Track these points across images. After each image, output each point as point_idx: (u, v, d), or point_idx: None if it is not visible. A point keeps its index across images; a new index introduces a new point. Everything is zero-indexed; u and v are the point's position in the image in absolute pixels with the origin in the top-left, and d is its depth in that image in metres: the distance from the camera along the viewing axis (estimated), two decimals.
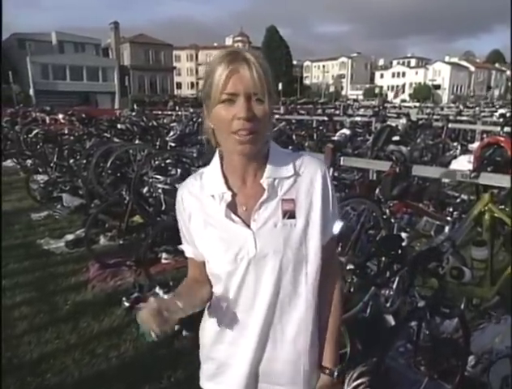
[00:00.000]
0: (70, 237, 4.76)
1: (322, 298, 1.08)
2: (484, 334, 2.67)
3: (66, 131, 8.16)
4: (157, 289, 3.47)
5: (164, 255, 4.14)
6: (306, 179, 1.02)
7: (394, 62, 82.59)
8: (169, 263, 4.07)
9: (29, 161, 8.60)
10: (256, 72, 0.90)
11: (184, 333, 2.89)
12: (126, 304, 3.27)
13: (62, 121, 9.66)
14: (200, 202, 1.04)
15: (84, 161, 5.67)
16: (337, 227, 1.07)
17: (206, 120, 0.99)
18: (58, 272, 3.94)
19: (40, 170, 7.08)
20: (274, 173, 1.01)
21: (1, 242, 4.45)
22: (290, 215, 1.00)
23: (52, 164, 6.44)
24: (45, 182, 6.55)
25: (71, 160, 6.31)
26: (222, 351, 1.09)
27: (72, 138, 7.34)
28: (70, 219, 5.54)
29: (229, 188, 1.01)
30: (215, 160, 1.06)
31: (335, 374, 1.10)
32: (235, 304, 1.03)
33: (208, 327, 1.11)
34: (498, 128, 7.43)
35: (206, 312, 1.13)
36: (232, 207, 1.00)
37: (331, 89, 65.64)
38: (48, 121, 10.84)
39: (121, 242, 4.35)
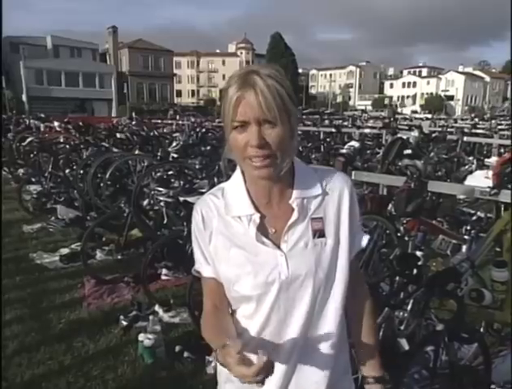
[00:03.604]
0: (64, 251, 4.78)
1: (353, 313, 1.12)
2: (506, 362, 2.65)
3: (62, 140, 8.23)
4: (157, 307, 3.48)
5: (163, 271, 4.15)
6: (334, 196, 1.05)
7: (405, 72, 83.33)
8: (169, 280, 4.08)
9: (21, 170, 8.67)
10: (262, 97, 0.90)
11: (185, 354, 2.88)
12: (124, 322, 3.27)
13: (58, 129, 9.74)
14: (224, 221, 1.04)
15: (81, 172, 5.71)
16: (364, 240, 1.10)
17: (228, 142, 1.02)
18: (52, 288, 3.94)
19: (33, 180, 7.13)
20: (302, 192, 1.03)
21: (1, 249, 4.47)
22: (320, 234, 1.02)
23: (46, 174, 6.48)
24: (38, 193, 6.60)
25: (67, 170, 6.35)
26: None
27: (68, 147, 7.40)
28: (64, 232, 5.56)
29: (256, 209, 1.03)
30: (237, 176, 1.07)
31: (386, 378, 1.14)
32: (264, 327, 1.03)
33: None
34: None
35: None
36: (261, 229, 1.02)
37: (338, 99, 66.17)
38: (42, 128, 10.95)
39: (119, 257, 4.37)
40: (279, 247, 1.01)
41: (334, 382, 1.08)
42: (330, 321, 1.05)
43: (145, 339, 2.89)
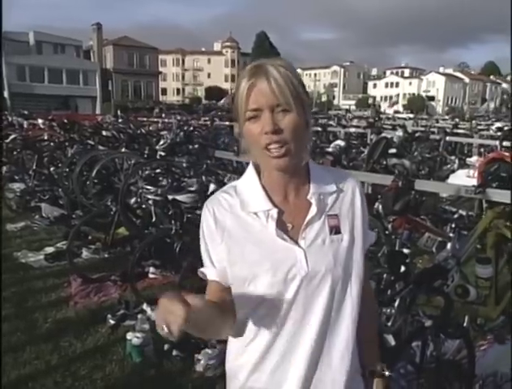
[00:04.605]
0: (49, 249, 4.70)
1: (361, 309, 1.10)
2: (488, 355, 2.71)
3: (46, 137, 8.07)
4: (144, 306, 3.44)
5: (151, 270, 4.11)
6: (347, 194, 1.07)
7: (388, 72, 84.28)
8: (157, 279, 4.05)
9: (4, 168, 8.48)
10: (274, 83, 0.91)
11: (174, 353, 2.86)
12: (112, 321, 3.23)
13: (42, 126, 9.56)
14: (238, 219, 1.02)
15: (67, 169, 5.62)
16: (373, 237, 1.11)
17: (242, 138, 1.01)
18: (37, 287, 3.87)
19: (17, 178, 6.99)
20: (319, 188, 1.04)
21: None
22: (336, 230, 1.02)
23: (30, 172, 6.36)
24: (22, 191, 6.46)
25: (52, 168, 6.24)
26: (262, 381, 1.04)
27: (52, 144, 7.27)
28: (49, 230, 5.46)
29: (274, 204, 1.01)
30: (251, 173, 1.06)
31: (387, 373, 1.14)
32: (282, 326, 1.00)
33: (244, 355, 1.05)
34: (496, 142, 7.62)
35: (236, 341, 1.08)
36: (279, 224, 1.00)
37: (323, 98, 66.55)
38: (26, 126, 10.74)
39: (105, 256, 4.31)
40: (297, 243, 1.00)
41: (350, 380, 1.07)
42: (347, 317, 1.04)
43: (133, 337, 2.86)
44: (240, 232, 1.01)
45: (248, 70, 0.95)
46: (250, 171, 1.06)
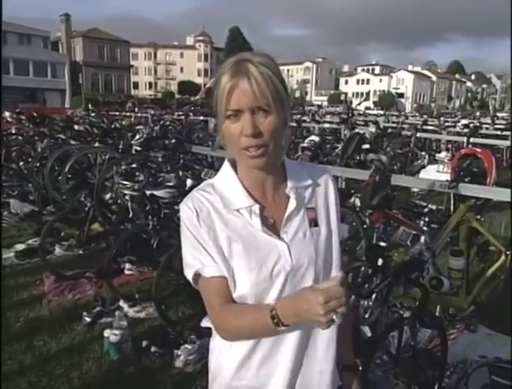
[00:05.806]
0: (20, 246, 4.53)
1: None
2: (458, 343, 2.81)
3: (14, 131, 7.79)
4: (121, 303, 3.38)
5: (127, 266, 4.04)
6: (321, 187, 1.09)
7: (359, 69, 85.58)
8: (133, 275, 3.98)
9: None
10: (256, 84, 0.89)
11: (152, 349, 2.82)
12: (87, 319, 3.16)
13: (9, 119, 9.20)
14: (220, 216, 1.00)
15: (37, 164, 5.44)
16: (345, 230, 1.13)
17: (220, 133, 0.99)
18: (8, 286, 3.72)
19: None
20: (296, 183, 1.04)
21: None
22: (314, 223, 1.04)
23: None
24: None
25: (21, 163, 6.03)
26: (248, 378, 1.03)
27: (21, 138, 7.02)
28: (19, 227, 5.27)
29: (255, 200, 1.01)
30: (228, 171, 1.05)
31: (360, 367, 1.17)
32: None
33: (230, 352, 1.04)
34: (463, 138, 7.88)
35: (220, 338, 1.05)
36: (262, 220, 1.00)
37: (296, 94, 66.89)
38: None
39: (80, 252, 4.21)
40: (279, 238, 1.00)
41: (334, 370, 1.09)
42: None
43: (111, 335, 2.81)
44: (224, 230, 0.99)
45: (229, 67, 0.93)
46: (227, 168, 1.05)
